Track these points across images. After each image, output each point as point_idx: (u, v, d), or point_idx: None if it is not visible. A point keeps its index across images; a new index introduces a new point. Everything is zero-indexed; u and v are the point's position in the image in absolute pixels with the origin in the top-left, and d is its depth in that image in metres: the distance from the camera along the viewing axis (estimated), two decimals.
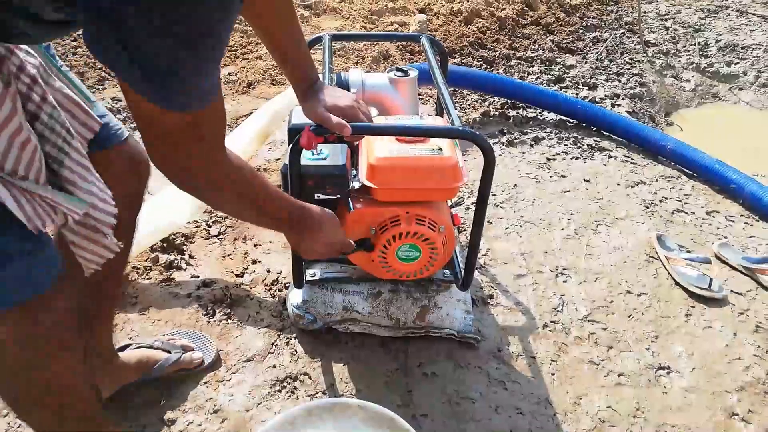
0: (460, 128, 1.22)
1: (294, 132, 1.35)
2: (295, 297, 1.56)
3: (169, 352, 1.45)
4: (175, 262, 1.77)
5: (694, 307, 1.81)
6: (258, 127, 1.92)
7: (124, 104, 2.49)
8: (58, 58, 1.04)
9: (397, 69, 1.62)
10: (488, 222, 2.10)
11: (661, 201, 2.33)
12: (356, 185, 1.39)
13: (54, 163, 0.85)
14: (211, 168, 0.93)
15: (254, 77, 2.73)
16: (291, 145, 1.22)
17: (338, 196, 1.34)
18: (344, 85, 1.59)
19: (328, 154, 1.32)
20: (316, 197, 1.34)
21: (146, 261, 1.76)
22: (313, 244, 1.17)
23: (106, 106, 2.45)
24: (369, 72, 1.65)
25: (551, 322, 1.72)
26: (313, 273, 1.57)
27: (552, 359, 1.61)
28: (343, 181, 1.31)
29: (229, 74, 2.80)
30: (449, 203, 1.58)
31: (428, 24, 3.41)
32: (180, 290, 1.69)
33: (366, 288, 1.57)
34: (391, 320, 1.56)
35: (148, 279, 1.72)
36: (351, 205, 1.35)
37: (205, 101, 0.79)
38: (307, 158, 1.31)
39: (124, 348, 1.45)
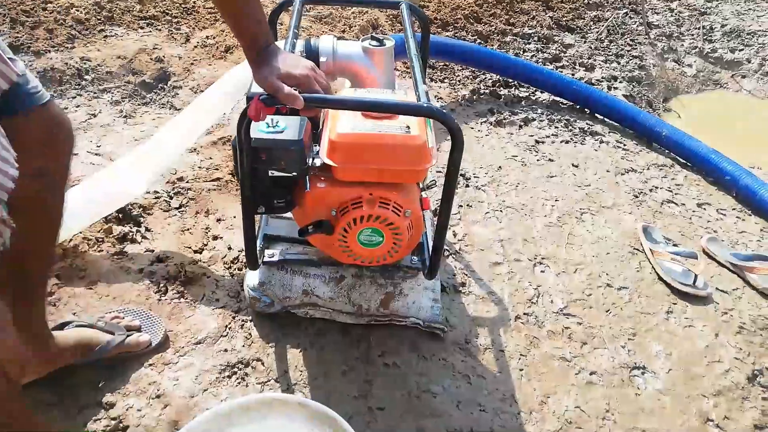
0: (425, 105, 1.11)
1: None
2: (252, 278, 1.47)
3: (112, 333, 1.36)
4: (130, 234, 1.67)
5: (676, 304, 1.72)
6: (223, 93, 1.79)
7: (92, 65, 2.36)
8: None
9: (372, 38, 1.50)
10: (468, 206, 2.00)
11: (651, 190, 2.23)
12: (318, 163, 1.28)
13: None
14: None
15: (233, 42, 2.59)
16: (240, 115, 1.11)
17: (294, 173, 1.23)
18: (314, 52, 1.47)
19: (285, 128, 1.21)
20: (269, 174, 1.23)
21: (99, 232, 1.65)
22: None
23: (74, 66, 2.33)
24: (342, 39, 1.52)
25: (524, 314, 1.63)
26: (271, 254, 1.47)
27: (522, 354, 1.52)
28: (299, 157, 1.20)
29: (207, 38, 2.66)
30: (421, 185, 1.47)
31: None
32: (132, 265, 1.59)
33: (328, 272, 1.47)
34: (354, 306, 1.47)
35: (99, 251, 1.62)
36: (308, 184, 1.25)
37: None
38: (260, 130, 1.20)
39: (64, 325, 1.36)
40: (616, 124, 2.65)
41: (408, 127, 1.22)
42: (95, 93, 2.26)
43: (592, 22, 3.59)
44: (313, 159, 1.28)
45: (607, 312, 1.67)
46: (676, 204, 2.17)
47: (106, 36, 2.54)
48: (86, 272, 1.56)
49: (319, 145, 1.31)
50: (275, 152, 1.19)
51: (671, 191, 2.24)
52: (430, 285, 1.50)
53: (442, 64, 2.84)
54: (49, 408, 1.27)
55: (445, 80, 2.77)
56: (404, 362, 1.45)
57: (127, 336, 1.37)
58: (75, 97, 2.22)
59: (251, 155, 1.18)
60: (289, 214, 1.39)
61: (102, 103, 2.22)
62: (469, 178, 2.12)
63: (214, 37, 2.66)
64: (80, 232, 1.63)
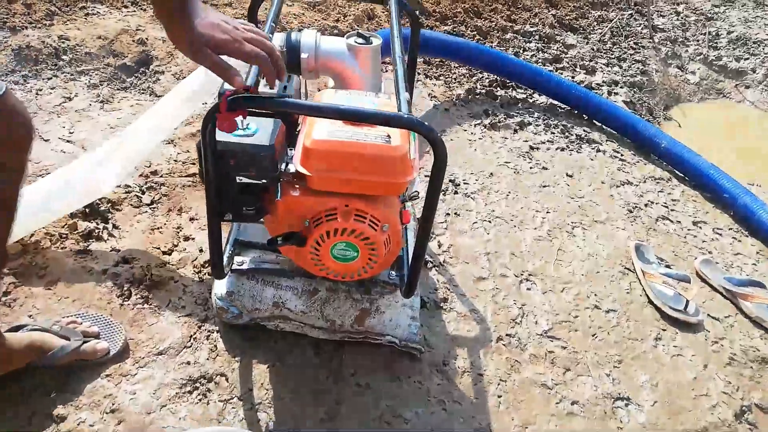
0: (405, 116, 1.01)
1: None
2: (220, 287, 1.38)
3: (68, 339, 1.27)
4: (96, 231, 1.57)
5: (665, 330, 1.65)
6: (205, 80, 1.68)
7: (71, 44, 2.24)
8: None
9: (359, 35, 1.41)
10: (455, 214, 1.91)
11: (646, 205, 2.15)
12: (292, 169, 1.19)
13: None
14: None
15: None
16: (205, 116, 1.01)
17: (264, 180, 1.14)
18: (295, 47, 1.37)
19: (255, 130, 1.12)
20: (238, 180, 1.14)
21: (63, 228, 1.56)
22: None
23: (52, 45, 2.21)
24: (326, 35, 1.42)
25: (507, 335, 1.55)
26: (241, 261, 1.38)
27: (501, 379, 1.45)
28: (270, 164, 1.11)
29: None
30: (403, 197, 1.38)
31: None
32: (96, 265, 1.50)
33: (301, 284, 1.39)
34: (327, 322, 1.39)
35: (62, 248, 1.53)
36: (279, 192, 1.16)
37: None
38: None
39: (18, 328, 1.28)
40: (614, 132, 2.57)
41: (389, 136, 1.13)
42: (72, 75, 2.15)
43: (595, 23, 3.49)
44: (287, 164, 1.19)
45: (593, 336, 1.60)
46: (671, 221, 2.09)
47: (87, 14, 2.42)
48: (46, 271, 1.47)
49: (295, 150, 1.22)
50: (243, 158, 1.10)
51: (667, 207, 2.16)
52: (408, 302, 1.42)
53: (439, 60, 2.74)
54: None
55: (441, 77, 2.66)
56: (377, 383, 1.37)
57: (84, 342, 1.29)
58: (50, 78, 2.11)
59: (217, 160, 1.08)
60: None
61: (78, 86, 2.11)
62: (459, 185, 2.03)
63: None
64: (43, 228, 1.53)
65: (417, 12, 3.00)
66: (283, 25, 2.58)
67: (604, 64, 3.13)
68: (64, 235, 1.55)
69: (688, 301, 1.67)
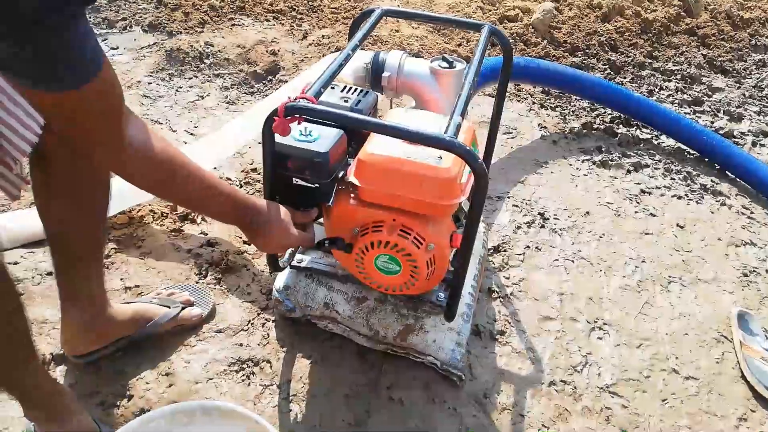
0: (447, 138, 1.01)
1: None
2: (279, 280, 1.47)
3: (168, 307, 1.43)
4: (191, 214, 1.75)
5: (754, 411, 1.44)
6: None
7: (213, 50, 2.52)
8: None
9: (443, 59, 1.43)
10: (536, 248, 1.84)
11: (767, 271, 1.89)
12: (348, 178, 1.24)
13: None
14: (113, 148, 0.85)
15: (345, 44, 2.63)
16: (266, 118, 1.10)
17: (317, 185, 1.21)
18: (380, 66, 1.43)
19: (316, 138, 1.19)
20: (294, 181, 1.22)
21: (165, 207, 1.76)
22: (265, 241, 1.15)
23: (198, 49, 2.51)
24: (413, 56, 1.46)
25: (562, 381, 1.46)
26: (300, 259, 1.46)
27: (544, 424, 1.36)
28: (323, 169, 1.17)
29: (323, 37, 2.73)
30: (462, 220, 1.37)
31: (555, 14, 3.06)
32: (183, 244, 1.67)
33: (351, 290, 1.43)
34: (371, 331, 1.41)
35: (160, 225, 1.72)
36: (331, 198, 1.21)
37: (83, 76, 0.73)
38: (292, 137, 1.18)
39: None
40: (750, 187, 2.29)
41: (440, 157, 1.13)
42: (209, 77, 2.41)
43: (754, 67, 3.15)
44: (344, 173, 1.24)
45: (663, 401, 1.44)
46: None
47: (233, 24, 2.71)
48: (143, 243, 1.67)
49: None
50: (298, 161, 1.17)
51: None
52: (456, 326, 1.40)
53: (559, 91, 2.65)
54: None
55: (557, 108, 2.58)
56: (411, 401, 1.37)
57: (181, 310, 1.44)
58: (191, 78, 2.39)
59: (275, 160, 1.17)
60: None
61: (212, 87, 2.37)
62: (548, 219, 1.95)
63: (328, 37, 2.73)
64: (149, 204, 1.74)
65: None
66: (404, 47, 2.67)
67: (754, 112, 2.81)
68: (165, 214, 1.75)
69: None
